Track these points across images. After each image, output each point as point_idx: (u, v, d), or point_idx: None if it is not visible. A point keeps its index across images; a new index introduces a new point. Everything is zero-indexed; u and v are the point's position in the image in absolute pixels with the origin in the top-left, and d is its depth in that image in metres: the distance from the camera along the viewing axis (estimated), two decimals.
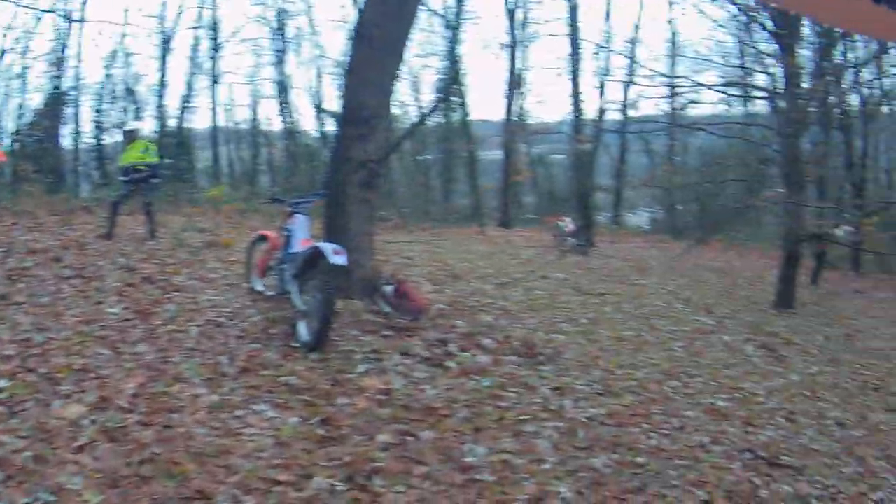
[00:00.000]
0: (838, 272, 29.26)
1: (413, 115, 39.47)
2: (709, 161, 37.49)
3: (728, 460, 8.10)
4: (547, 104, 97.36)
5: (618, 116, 36.03)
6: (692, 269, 25.86)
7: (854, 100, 30.31)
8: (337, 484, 5.99)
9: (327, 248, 9.46)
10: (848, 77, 25.72)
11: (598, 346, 11.80)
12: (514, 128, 32.97)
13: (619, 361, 11.12)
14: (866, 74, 29.46)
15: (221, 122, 43.14)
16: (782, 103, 19.97)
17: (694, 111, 37.24)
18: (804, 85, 19.31)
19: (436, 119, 41.43)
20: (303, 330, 9.54)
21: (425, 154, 43.02)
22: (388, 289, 11.34)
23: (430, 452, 6.85)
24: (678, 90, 23.09)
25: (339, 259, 9.27)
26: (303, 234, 10.75)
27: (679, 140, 41.16)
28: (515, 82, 35.92)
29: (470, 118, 41.89)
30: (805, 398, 11.39)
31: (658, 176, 26.94)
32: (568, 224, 27.73)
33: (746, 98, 27.06)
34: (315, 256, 9.67)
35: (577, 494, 6.59)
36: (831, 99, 21.27)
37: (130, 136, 17.79)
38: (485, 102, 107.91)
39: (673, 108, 26.10)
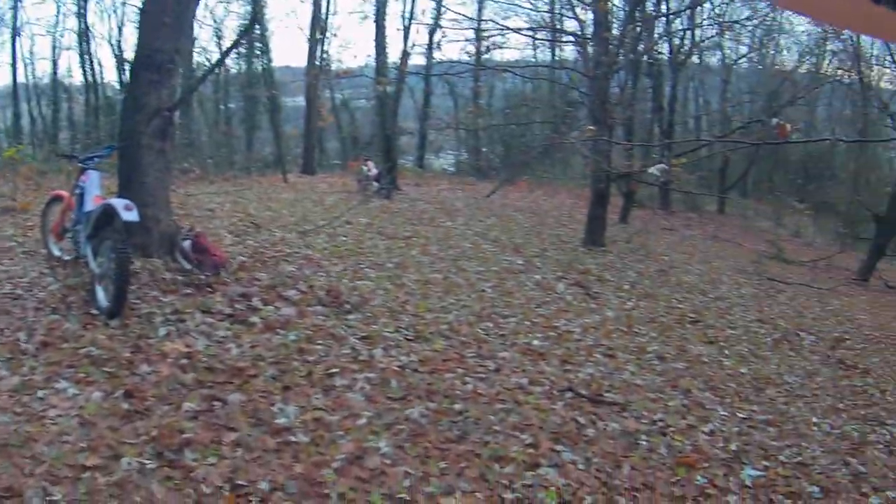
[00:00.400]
0: (648, 211, 29.50)
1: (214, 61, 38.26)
2: (514, 103, 37.84)
3: (549, 400, 7.86)
4: (351, 49, 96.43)
5: (422, 60, 35.51)
6: (500, 209, 25.71)
7: (664, 49, 30.64)
8: (147, 462, 5.43)
9: (118, 204, 8.57)
10: (659, 26, 26.01)
11: (406, 291, 11.43)
12: (316, 73, 31.99)
13: (429, 305, 10.78)
14: (678, 24, 30.28)
15: (22, 78, 40.67)
16: (591, 49, 19.87)
17: (500, 55, 37.40)
18: (614, 31, 19.29)
19: (238, 66, 40.63)
20: (101, 295, 8.66)
21: (228, 102, 41.96)
22: (187, 244, 10.59)
23: (239, 417, 6.34)
24: (484, 34, 22.77)
25: (131, 215, 8.43)
26: (95, 191, 9.68)
27: (484, 83, 40.86)
28: (319, 27, 35.01)
29: (273, 64, 41.08)
30: (622, 333, 11.37)
31: (463, 118, 26.48)
32: (371, 168, 26.97)
33: (554, 43, 27.07)
34: (107, 214, 8.77)
35: (396, 449, 6.22)
36: (640, 46, 21.18)
37: None
38: (289, 48, 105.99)
39: (478, 52, 25.77)
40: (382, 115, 29.30)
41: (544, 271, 15.09)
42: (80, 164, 10.13)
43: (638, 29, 19.84)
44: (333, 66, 30.94)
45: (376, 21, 30.91)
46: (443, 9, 30.17)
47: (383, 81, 22.37)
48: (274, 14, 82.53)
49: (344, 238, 15.31)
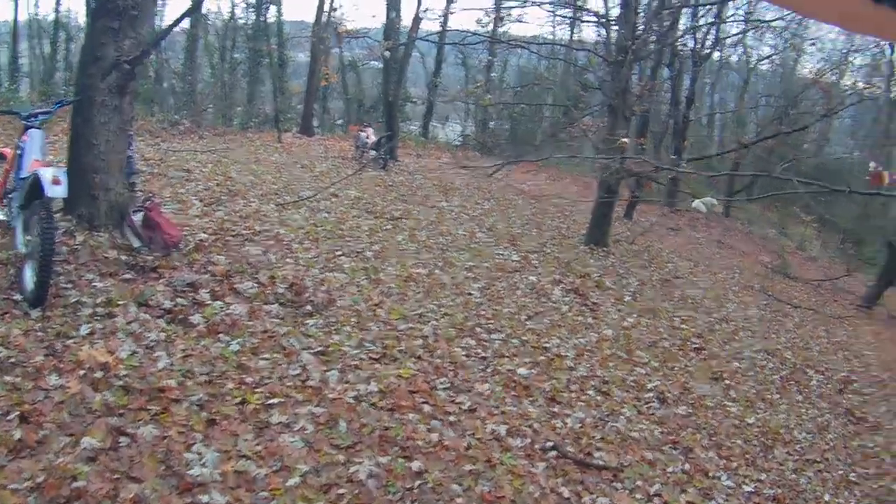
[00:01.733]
0: (653, 205, 28.11)
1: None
2: (527, 81, 36.51)
3: (529, 461, 6.54)
4: (364, 9, 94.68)
5: (437, 27, 33.94)
6: (500, 191, 24.27)
7: (688, 41, 29.20)
8: None
9: (45, 174, 7.09)
10: (685, 15, 24.77)
11: (382, 290, 10.07)
12: (322, 29, 30.44)
13: (405, 311, 9.44)
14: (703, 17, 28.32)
15: (25, 15, 38.89)
16: (614, 32, 18.45)
17: (517, 30, 36.04)
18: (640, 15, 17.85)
19: (245, 15, 39.13)
20: (27, 277, 7.22)
21: (234, 53, 40.42)
22: (137, 217, 9.25)
23: (146, 462, 4.98)
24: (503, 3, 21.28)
25: (58, 190, 6.98)
26: (35, 153, 8.26)
27: (498, 57, 39.64)
28: None
29: (283, 17, 39.56)
30: (620, 361, 10.22)
31: (472, 91, 24.95)
32: (369, 135, 25.14)
33: (574, 21, 25.57)
34: (36, 185, 7.32)
35: None
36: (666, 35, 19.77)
37: None
38: (304, 2, 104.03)
39: (495, 23, 24.28)
40: (388, 78, 27.60)
41: (541, 272, 13.79)
42: (22, 122, 8.64)
43: (667, 15, 18.31)
44: (344, 25, 29.32)
45: None
46: None
47: (387, 45, 20.87)
48: None
49: (326, 215, 13.90)
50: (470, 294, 11.10)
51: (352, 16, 75.47)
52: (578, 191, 29.30)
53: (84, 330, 6.71)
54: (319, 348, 7.53)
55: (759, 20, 27.13)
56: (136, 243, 9.03)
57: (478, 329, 9.57)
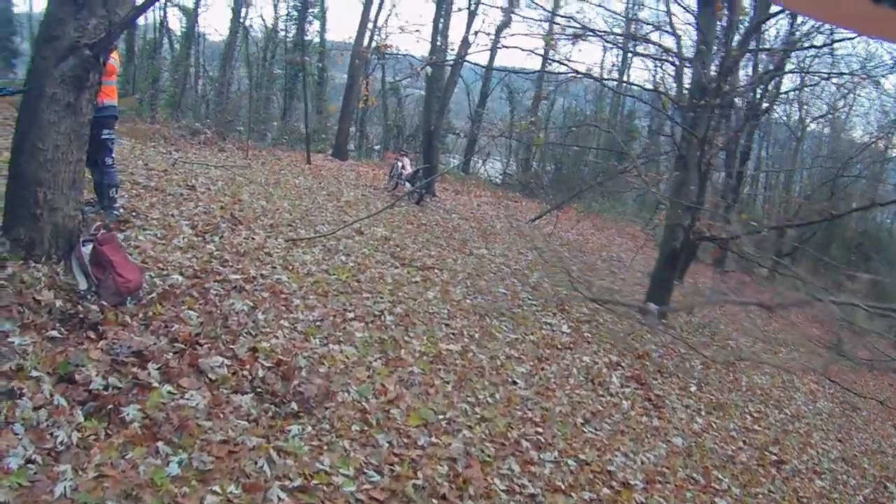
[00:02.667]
0: (700, 264, 25.68)
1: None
2: (573, 122, 34.94)
3: None
4: (415, 32, 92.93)
5: (484, 58, 31.70)
6: (545, 239, 21.61)
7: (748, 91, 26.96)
8: None
9: None
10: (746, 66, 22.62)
11: (400, 377, 7.55)
12: (363, 49, 28.09)
13: (428, 412, 6.99)
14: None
15: None
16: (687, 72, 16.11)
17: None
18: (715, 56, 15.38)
19: (285, 28, 37.50)
20: None
21: (274, 66, 38.46)
22: (86, 249, 6.93)
23: None
24: (558, 31, 18.69)
25: None
26: None
27: (545, 94, 37.51)
28: None
29: (325, 34, 38.57)
30: (697, 488, 8.08)
31: (525, 126, 22.61)
32: (405, 165, 22.61)
33: (632, 59, 23.08)
34: None
35: None
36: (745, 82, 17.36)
37: None
38: (350, 23, 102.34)
39: (546, 54, 22.03)
40: (428, 107, 25.10)
41: (595, 350, 11.40)
42: None
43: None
44: (387, 47, 26.95)
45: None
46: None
47: (430, 60, 18.60)
48: None
49: (343, 258, 11.44)
50: (514, 384, 8.65)
51: (396, 39, 73.71)
52: (623, 242, 26.99)
53: None
54: (299, 480, 5.10)
55: (817, 72, 24.80)
56: (82, 285, 6.76)
57: (524, 443, 7.11)
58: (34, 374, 5.17)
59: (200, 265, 8.59)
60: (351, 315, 8.80)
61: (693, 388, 11.58)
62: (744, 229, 14.42)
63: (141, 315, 6.68)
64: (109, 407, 5.12)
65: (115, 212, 9.57)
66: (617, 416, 9.01)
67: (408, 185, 21.27)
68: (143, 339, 6.17)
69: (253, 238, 10.75)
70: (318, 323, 8.13)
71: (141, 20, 35.21)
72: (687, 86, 16.21)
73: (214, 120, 26.78)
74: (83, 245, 6.94)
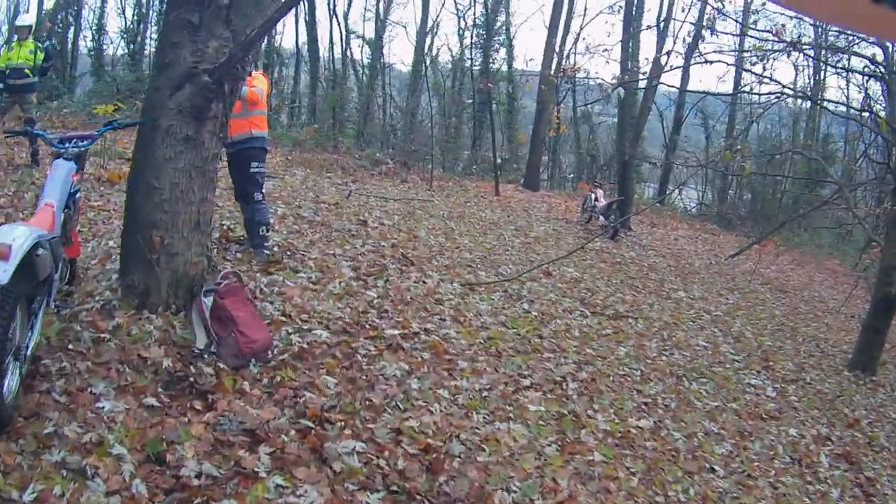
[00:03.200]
0: None
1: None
2: (768, 148, 33.51)
3: None
4: (602, 54, 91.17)
5: (675, 82, 29.94)
6: (744, 279, 19.69)
7: None
8: None
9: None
10: None
11: (574, 470, 6.02)
12: (550, 74, 26.62)
13: None
14: None
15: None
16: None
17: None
18: None
19: (472, 57, 37.05)
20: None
21: (463, 95, 37.66)
22: (208, 300, 5.91)
23: None
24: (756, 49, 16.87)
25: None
26: (52, 194, 5.34)
27: (739, 121, 35.61)
28: (557, 23, 29.65)
29: (513, 60, 38.13)
30: None
31: (731, 155, 20.83)
32: (598, 197, 20.85)
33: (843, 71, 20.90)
34: None
35: None
36: None
37: (22, 32, 13.06)
38: (536, 51, 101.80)
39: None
40: (621, 135, 23.52)
41: (802, 417, 9.81)
42: (53, 149, 6.00)
43: None
44: (577, 74, 25.44)
45: (624, 20, 25.08)
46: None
47: (619, 79, 17.17)
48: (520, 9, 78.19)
49: (526, 307, 10.17)
50: (712, 471, 7.16)
51: (584, 62, 72.68)
52: (824, 279, 24.78)
53: (28, 497, 3.82)
54: None
55: None
56: (199, 342, 5.74)
57: None
58: (116, 450, 4.19)
59: (354, 317, 7.45)
60: (527, 382, 7.46)
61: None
62: None
63: (266, 381, 5.63)
64: (197, 501, 3.99)
65: (266, 251, 8.68)
66: None
67: (601, 218, 19.83)
68: (260, 413, 5.09)
69: (424, 282, 9.63)
70: (485, 393, 6.83)
71: (323, 51, 34.81)
72: None
73: (399, 150, 25.91)
74: (204, 296, 5.89)
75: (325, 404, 5.46)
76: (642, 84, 20.61)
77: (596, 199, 20.56)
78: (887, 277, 12.84)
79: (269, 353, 5.98)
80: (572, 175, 39.51)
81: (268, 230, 8.77)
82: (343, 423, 5.31)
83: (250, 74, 7.59)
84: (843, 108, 24.29)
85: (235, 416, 4.93)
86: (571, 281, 12.61)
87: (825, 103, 22.02)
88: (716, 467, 7.20)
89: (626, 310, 11.94)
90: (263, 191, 8.69)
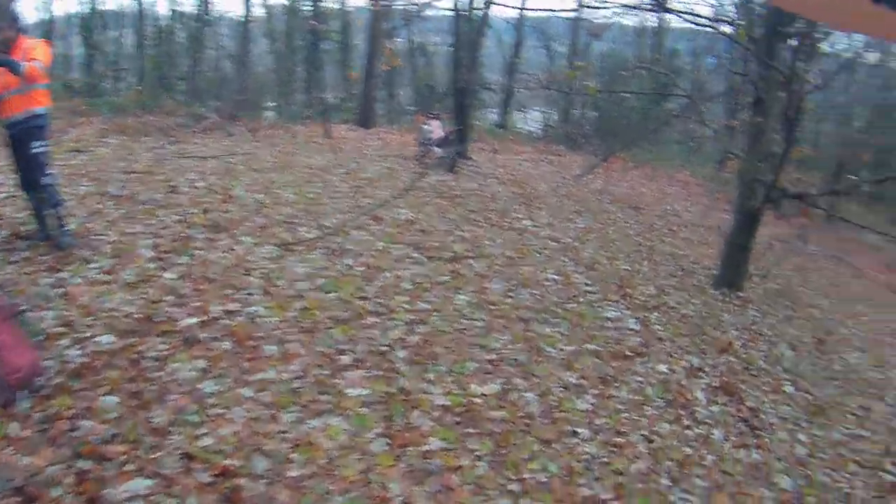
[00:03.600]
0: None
1: None
2: (612, 66, 33.33)
3: None
4: None
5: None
6: (594, 198, 18.92)
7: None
8: None
9: None
10: None
11: (406, 468, 5.08)
12: (381, 7, 25.34)
13: None
14: None
15: None
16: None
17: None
18: None
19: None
20: None
21: (296, 39, 36.16)
22: None
23: None
24: None
25: None
26: None
27: (581, 42, 35.12)
28: None
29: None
30: None
31: (573, 74, 19.79)
32: (434, 129, 19.91)
33: None
34: None
35: None
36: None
37: None
38: None
39: None
40: (456, 64, 22.38)
41: (670, 349, 9.08)
42: None
43: None
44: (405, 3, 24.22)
45: None
46: None
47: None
48: None
49: (350, 262, 9.11)
50: (574, 435, 6.28)
51: None
52: (676, 192, 24.32)
53: None
54: None
55: None
56: None
57: None
58: None
59: (145, 310, 6.35)
60: (346, 359, 6.45)
61: (789, 388, 9.25)
62: (850, 184, 11.84)
63: (38, 416, 4.58)
64: None
65: (68, 237, 7.74)
66: (710, 459, 6.73)
67: (438, 150, 18.78)
68: (34, 460, 4.10)
69: (233, 249, 8.53)
70: (296, 383, 5.82)
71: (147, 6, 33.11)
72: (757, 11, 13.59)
73: (228, 102, 24.33)
74: None
75: (104, 434, 4.44)
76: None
77: (431, 132, 19.46)
78: (749, 191, 12.27)
79: (41, 378, 4.86)
80: (411, 108, 38.37)
81: (62, 210, 7.76)
82: (125, 457, 4.31)
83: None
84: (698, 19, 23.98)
85: (2, 473, 3.86)
86: (404, 224, 11.59)
87: (678, 14, 21.48)
88: (578, 429, 6.35)
89: (466, 249, 10.96)
90: (50, 171, 7.64)
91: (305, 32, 32.10)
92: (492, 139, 27.76)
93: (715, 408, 7.82)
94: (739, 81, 15.94)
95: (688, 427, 7.17)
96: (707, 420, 7.47)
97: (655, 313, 10.26)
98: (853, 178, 11.58)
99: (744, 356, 9.72)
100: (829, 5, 0.97)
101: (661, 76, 25.85)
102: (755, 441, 7.43)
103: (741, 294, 12.54)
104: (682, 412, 7.43)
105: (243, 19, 32.33)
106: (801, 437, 7.97)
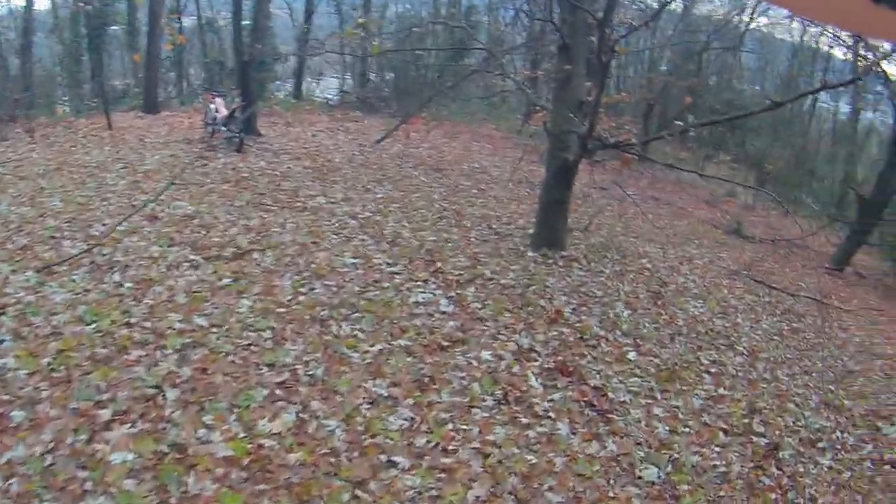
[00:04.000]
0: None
1: None
2: (408, 25, 31.79)
3: None
4: None
5: None
6: (395, 164, 17.55)
7: None
8: None
9: None
10: None
11: None
12: None
13: None
14: None
15: None
16: None
17: None
18: None
19: None
20: None
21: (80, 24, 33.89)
22: None
23: None
24: None
25: None
26: None
27: (375, 3, 34.24)
28: None
29: None
30: None
31: (353, 32, 18.43)
32: (219, 106, 17.97)
33: None
34: None
35: None
36: None
37: None
38: None
39: None
40: (237, 35, 20.68)
41: (493, 331, 8.00)
42: None
43: None
44: None
45: None
46: None
47: None
48: None
49: (118, 278, 7.74)
50: (391, 465, 5.14)
51: None
52: (482, 148, 23.19)
53: None
54: None
55: None
56: None
57: None
58: None
59: None
60: (107, 413, 5.14)
61: (632, 355, 8.28)
62: (677, 128, 10.89)
63: None
64: None
65: None
66: (559, 462, 5.68)
67: (223, 129, 17.12)
68: None
69: None
70: (47, 459, 4.53)
71: None
72: None
73: (6, 102, 21.99)
74: None
75: None
76: None
77: (217, 110, 17.80)
78: (561, 143, 11.25)
79: None
80: (202, 87, 36.51)
81: None
82: None
83: None
84: None
85: None
86: (184, 220, 10.15)
87: None
88: (396, 458, 5.22)
89: (251, 241, 9.63)
90: None
91: (90, 17, 30.07)
92: (286, 112, 26.15)
93: (555, 395, 6.78)
94: (541, 31, 15.03)
95: (527, 426, 6.10)
96: (548, 413, 6.42)
97: (471, 288, 9.14)
98: (679, 123, 10.48)
99: (577, 325, 8.71)
100: (828, 5, 0.82)
101: (458, 30, 24.99)
102: (607, 428, 6.44)
103: (564, 253, 11.51)
104: (518, 408, 6.35)
105: (24, 9, 30.09)
106: (658, 411, 7.05)
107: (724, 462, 6.38)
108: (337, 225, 11.07)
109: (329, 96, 36.75)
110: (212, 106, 17.85)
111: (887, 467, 7.55)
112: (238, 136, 16.37)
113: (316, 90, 37.76)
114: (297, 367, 6.28)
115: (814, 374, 9.50)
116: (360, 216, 11.76)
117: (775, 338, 10.68)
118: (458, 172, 17.70)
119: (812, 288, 14.61)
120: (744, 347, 9.72)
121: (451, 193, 15.08)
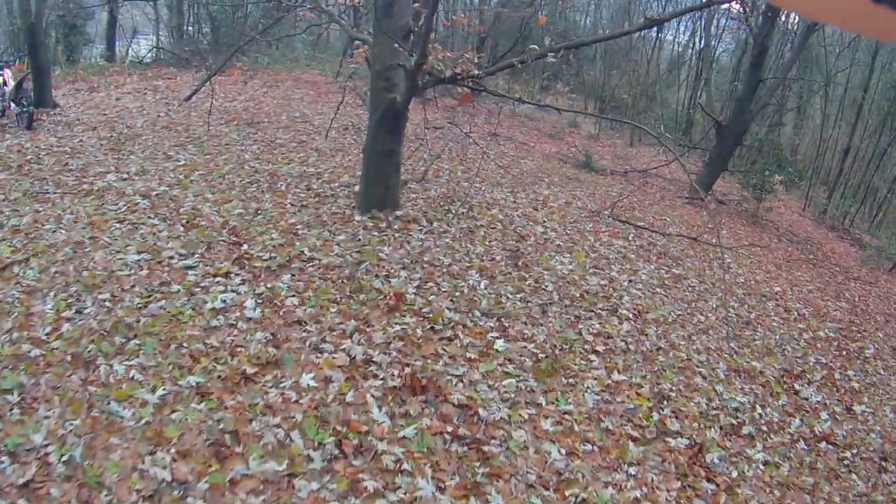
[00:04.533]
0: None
1: None
2: None
3: None
4: None
5: None
6: (203, 122, 15.04)
7: None
8: None
9: None
10: None
11: None
12: None
13: None
14: None
15: None
16: None
17: None
18: None
19: None
20: None
21: None
22: None
23: None
24: None
25: None
26: None
27: None
28: None
29: None
30: None
31: None
32: (7, 79, 14.90)
33: None
34: None
35: None
36: None
37: None
38: None
39: None
40: None
41: (314, 338, 6.10)
42: None
43: None
44: None
45: None
46: None
47: None
48: None
49: None
50: None
51: None
52: (304, 95, 21.02)
53: None
54: None
55: None
56: None
57: None
58: None
59: None
60: None
61: (500, 344, 6.57)
62: (531, 54, 8.97)
63: None
64: None
65: None
66: None
67: (12, 105, 14.52)
68: None
69: None
70: None
71: None
72: None
73: None
74: None
75: None
76: None
77: (5, 83, 15.13)
78: (385, 81, 9.31)
79: None
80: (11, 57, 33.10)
81: None
82: None
83: None
84: None
85: None
86: None
87: None
88: None
89: (15, 249, 7.28)
90: None
91: None
92: (93, 77, 23.39)
93: (407, 430, 5.00)
94: None
95: (374, 496, 4.29)
96: (401, 465, 4.64)
97: (286, 276, 7.20)
98: (535, 47, 8.63)
99: (424, 310, 6.92)
100: (828, 5, 0.75)
101: None
102: (485, 470, 4.73)
103: (399, 213, 9.61)
104: (358, 464, 4.63)
105: None
106: (546, 425, 5.41)
107: (645, 490, 4.82)
108: (125, 209, 8.80)
109: (142, 55, 33.91)
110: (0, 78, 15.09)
111: (822, 445, 6.36)
112: (26, 111, 13.81)
113: (130, 51, 34.80)
114: (48, 450, 4.26)
115: (711, 333, 7.97)
116: (154, 192, 9.52)
117: (658, 291, 9.24)
118: (275, 125, 15.48)
119: (679, 222, 13.35)
120: (627, 309, 8.19)
121: (266, 151, 12.90)
